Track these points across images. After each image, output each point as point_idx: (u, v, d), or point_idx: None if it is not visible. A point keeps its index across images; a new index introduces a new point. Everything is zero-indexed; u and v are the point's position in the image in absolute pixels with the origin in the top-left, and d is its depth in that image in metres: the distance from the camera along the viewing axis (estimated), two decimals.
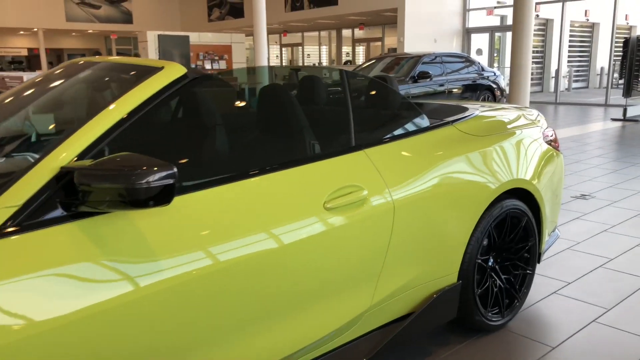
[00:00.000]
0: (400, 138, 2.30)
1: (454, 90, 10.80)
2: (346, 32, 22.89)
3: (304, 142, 2.17)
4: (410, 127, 2.40)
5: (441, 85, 10.60)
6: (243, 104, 2.82)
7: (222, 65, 19.60)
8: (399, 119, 2.54)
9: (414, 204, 2.20)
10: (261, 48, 13.35)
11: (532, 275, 2.87)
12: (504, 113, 2.94)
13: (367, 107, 2.70)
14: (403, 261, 2.21)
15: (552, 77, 19.84)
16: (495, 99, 11.49)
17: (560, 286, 3.22)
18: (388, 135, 2.31)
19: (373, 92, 2.74)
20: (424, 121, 2.47)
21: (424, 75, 10.27)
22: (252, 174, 1.84)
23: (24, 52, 28.48)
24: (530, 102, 12.11)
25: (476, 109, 2.94)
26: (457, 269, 2.43)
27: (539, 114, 3.19)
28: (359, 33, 22.42)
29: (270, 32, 22.80)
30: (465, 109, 2.92)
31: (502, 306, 2.70)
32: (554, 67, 19.15)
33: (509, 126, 2.79)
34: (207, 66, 18.86)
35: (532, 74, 16.21)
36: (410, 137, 2.33)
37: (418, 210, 2.22)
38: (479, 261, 2.55)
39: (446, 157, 2.36)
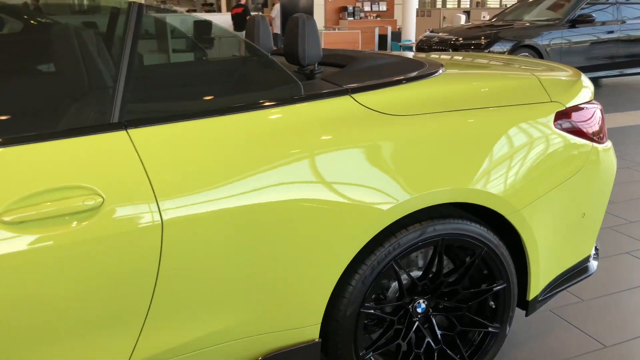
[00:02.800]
0: (213, 114, 1.47)
1: (627, 39, 8.59)
2: None
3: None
4: (245, 97, 1.55)
5: (610, 32, 8.49)
6: None
7: (383, 7, 18.78)
8: (225, 82, 1.68)
9: (216, 224, 1.41)
10: None
11: (499, 337, 1.85)
12: (489, 78, 1.88)
13: (165, 60, 1.84)
14: (200, 305, 1.45)
15: None
16: None
17: None
18: (189, 110, 1.49)
19: (184, 37, 1.86)
20: (289, 88, 1.59)
21: (585, 19, 8.30)
22: None
23: None
24: None
25: (454, 66, 1.94)
26: (317, 321, 1.59)
27: (575, 82, 2.01)
28: None
29: None
30: (420, 67, 1.91)
31: None
32: None
33: (468, 101, 1.74)
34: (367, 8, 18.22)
35: None
36: (238, 113, 1.49)
37: (225, 234, 1.42)
38: (372, 311, 1.66)
39: (301, 150, 1.49)
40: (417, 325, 1.83)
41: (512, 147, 1.76)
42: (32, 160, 1.27)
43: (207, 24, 1.60)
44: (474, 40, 8.28)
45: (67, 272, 1.29)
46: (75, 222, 1.28)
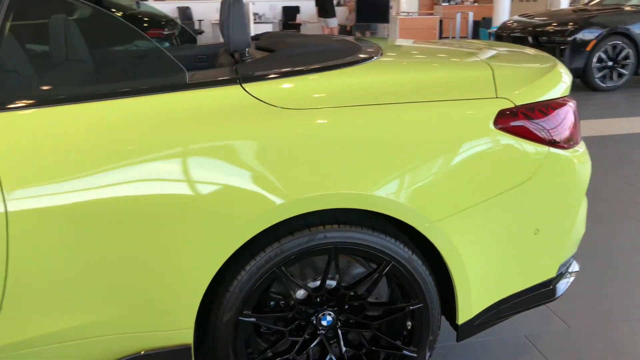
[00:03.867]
0: (73, 102, 1.41)
1: None
2: None
3: None
4: (118, 84, 1.46)
5: None
6: None
7: None
8: (98, 68, 1.58)
9: (67, 218, 1.35)
10: None
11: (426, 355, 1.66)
12: (427, 69, 1.68)
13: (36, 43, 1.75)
14: (55, 300, 1.41)
15: None
16: None
17: None
18: (49, 96, 1.42)
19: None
20: (170, 76, 1.49)
21: None
22: None
23: None
24: None
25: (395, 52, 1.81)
26: (189, 325, 1.49)
27: (542, 76, 1.73)
28: None
29: None
30: (352, 53, 1.72)
31: None
32: None
33: (386, 95, 1.54)
34: None
35: None
36: (101, 101, 1.42)
37: (79, 229, 1.36)
38: (252, 319, 1.54)
39: (168, 142, 1.39)
40: (321, 339, 1.67)
41: (431, 150, 1.53)
42: None
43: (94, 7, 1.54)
44: (558, 27, 7.57)
45: None
46: None
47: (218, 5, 13.97)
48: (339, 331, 1.67)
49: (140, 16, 6.18)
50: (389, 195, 1.48)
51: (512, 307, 1.78)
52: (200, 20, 13.85)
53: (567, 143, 1.70)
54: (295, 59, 1.66)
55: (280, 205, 1.42)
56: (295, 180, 1.43)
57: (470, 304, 1.67)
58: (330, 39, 2.03)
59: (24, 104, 1.38)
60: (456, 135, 1.55)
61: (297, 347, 1.64)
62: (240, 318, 1.53)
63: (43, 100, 1.39)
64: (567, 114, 1.72)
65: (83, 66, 1.62)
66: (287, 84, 1.52)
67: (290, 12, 13.87)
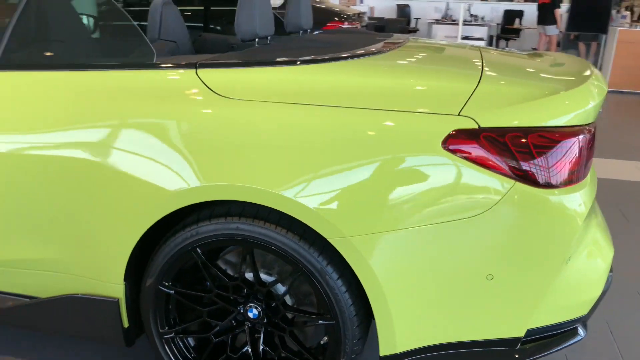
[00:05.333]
0: (53, 69, 1.65)
1: None
2: None
3: None
4: (94, 58, 1.66)
5: None
6: None
7: None
8: (91, 42, 1.75)
9: (41, 163, 1.61)
10: None
11: None
12: (393, 74, 1.60)
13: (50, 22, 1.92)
14: (27, 228, 1.70)
15: None
16: None
17: None
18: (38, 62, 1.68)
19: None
20: (140, 55, 1.65)
21: None
22: None
23: None
24: None
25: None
26: (118, 281, 1.66)
27: (544, 96, 1.47)
28: None
29: None
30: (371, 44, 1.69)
31: None
32: None
33: (335, 97, 1.48)
34: None
35: None
36: (76, 71, 1.63)
37: (51, 173, 1.62)
38: (168, 290, 1.64)
39: (118, 114, 1.56)
40: (244, 329, 1.68)
41: (358, 160, 1.42)
42: None
43: None
44: None
45: None
46: None
47: (438, 4, 13.90)
48: (263, 328, 1.66)
49: (325, 9, 6.52)
50: (298, 198, 1.42)
51: (458, 358, 1.55)
52: (417, 19, 13.92)
53: (551, 181, 1.41)
54: (268, 53, 1.68)
55: (196, 188, 1.47)
56: (211, 166, 1.47)
57: (394, 337, 1.51)
58: (345, 35, 1.98)
59: None
60: (393, 149, 1.41)
61: (215, 329, 1.68)
62: (159, 287, 1.63)
63: (37, 66, 1.66)
64: (562, 147, 1.42)
65: (85, 42, 1.87)
66: (231, 74, 1.56)
67: (510, 16, 13.11)
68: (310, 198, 1.42)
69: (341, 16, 6.42)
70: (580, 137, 1.46)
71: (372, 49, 1.79)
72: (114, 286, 1.67)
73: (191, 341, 1.74)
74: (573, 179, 1.45)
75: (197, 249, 1.57)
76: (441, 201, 1.41)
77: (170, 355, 1.71)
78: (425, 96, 1.46)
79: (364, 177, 1.41)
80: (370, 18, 12.38)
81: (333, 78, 1.53)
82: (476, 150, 1.40)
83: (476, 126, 1.40)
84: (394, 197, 1.41)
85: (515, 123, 1.41)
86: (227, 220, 1.53)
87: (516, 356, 1.54)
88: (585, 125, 1.50)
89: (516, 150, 1.40)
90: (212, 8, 3.69)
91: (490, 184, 1.40)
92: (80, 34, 1.82)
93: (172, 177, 1.49)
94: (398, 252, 1.44)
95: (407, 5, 14.05)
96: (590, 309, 1.64)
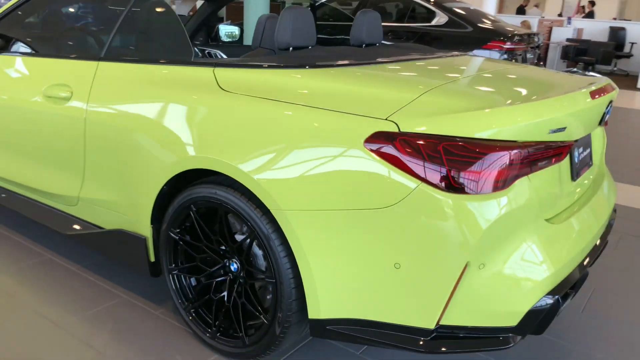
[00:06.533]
0: (135, 61, 2.25)
1: None
2: None
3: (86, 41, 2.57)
4: (159, 54, 2.21)
5: None
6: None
7: None
8: (154, 43, 2.25)
9: (107, 126, 2.25)
10: None
11: (269, 331, 1.92)
12: (348, 81, 1.90)
13: (139, 27, 2.41)
14: (100, 175, 2.34)
15: None
16: None
17: None
18: (129, 55, 2.29)
19: (148, 13, 2.37)
20: (183, 53, 2.17)
21: None
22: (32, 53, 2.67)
23: None
24: None
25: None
26: (146, 223, 2.19)
27: (481, 111, 1.61)
28: None
29: None
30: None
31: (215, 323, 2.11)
32: None
33: (302, 96, 1.80)
34: None
35: None
36: (146, 64, 2.21)
37: (111, 135, 2.24)
38: (174, 236, 2.11)
39: (156, 99, 2.09)
40: (227, 280, 2.06)
41: (299, 147, 1.71)
42: (67, 66, 2.45)
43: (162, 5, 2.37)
44: None
45: (62, 131, 2.41)
46: (58, 103, 2.39)
47: None
48: (239, 280, 2.03)
49: (491, 29, 6.51)
50: (250, 172, 1.77)
51: (378, 336, 1.73)
52: (632, 43, 12.59)
53: (457, 186, 1.54)
54: (267, 58, 2.08)
55: (191, 157, 1.93)
56: (203, 142, 1.91)
57: (318, 304, 1.76)
58: (386, 49, 2.28)
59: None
60: (327, 141, 1.68)
61: (205, 273, 2.10)
62: (169, 232, 2.11)
63: (122, 59, 2.30)
64: (474, 157, 1.54)
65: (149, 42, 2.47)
66: (233, 73, 1.97)
67: None
68: (259, 174, 1.76)
69: (506, 36, 6.34)
70: (500, 151, 1.54)
71: (381, 59, 2.06)
72: (144, 227, 2.20)
73: (193, 281, 2.19)
74: (483, 188, 1.54)
75: (192, 206, 2.01)
76: (357, 191, 1.63)
77: (174, 287, 2.17)
78: (367, 101, 1.69)
79: (299, 160, 1.70)
80: (570, 40, 11.62)
81: (301, 81, 1.85)
82: (391, 151, 1.59)
83: (396, 130, 1.60)
84: (320, 181, 1.67)
85: (433, 131, 1.57)
86: (210, 187, 1.94)
87: (420, 344, 1.66)
88: (517, 141, 1.57)
89: (427, 155, 1.56)
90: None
91: (399, 182, 1.57)
92: (149, 38, 2.42)
93: (177, 147, 1.97)
94: (320, 230, 1.69)
95: (623, 29, 12.80)
96: (522, 322, 1.65)
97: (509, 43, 6.33)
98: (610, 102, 2.01)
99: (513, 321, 1.65)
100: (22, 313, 2.29)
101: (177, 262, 2.17)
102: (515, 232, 1.63)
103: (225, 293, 2.07)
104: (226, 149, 1.84)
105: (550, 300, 1.68)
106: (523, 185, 1.63)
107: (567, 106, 1.71)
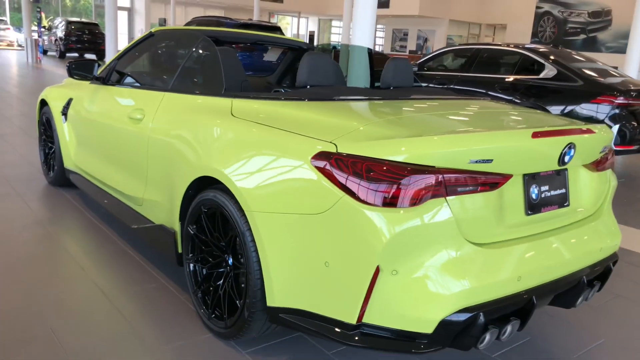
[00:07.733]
0: (187, 92, 2.84)
1: None
2: None
3: (162, 77, 3.22)
4: (205, 89, 2.75)
5: None
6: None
7: None
8: (198, 77, 2.76)
9: (160, 142, 2.84)
10: None
11: (241, 315, 2.29)
12: (315, 112, 2.28)
13: (193, 64, 2.91)
14: (156, 181, 2.92)
15: None
16: None
17: None
18: (184, 88, 2.88)
19: (199, 53, 2.86)
20: (217, 87, 2.69)
21: None
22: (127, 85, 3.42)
23: None
24: None
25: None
26: (176, 219, 2.71)
27: (399, 139, 1.90)
28: None
29: None
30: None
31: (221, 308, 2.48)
32: None
33: (274, 120, 2.23)
34: None
35: None
36: (193, 95, 2.77)
37: (162, 148, 2.83)
38: (191, 231, 2.59)
39: (191, 122, 2.64)
40: (224, 271, 2.46)
41: (267, 160, 2.11)
42: (151, 96, 3.14)
43: (204, 39, 2.95)
44: None
45: (128, 142, 3.08)
46: (135, 123, 3.06)
47: None
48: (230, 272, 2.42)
49: (603, 83, 6.29)
50: (234, 179, 2.19)
51: (313, 326, 1.99)
52: None
53: (368, 200, 1.80)
54: (278, 93, 2.52)
55: (202, 166, 2.41)
56: (210, 155, 2.38)
57: (272, 292, 2.09)
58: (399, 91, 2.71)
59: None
60: (286, 155, 2.06)
61: (209, 264, 2.52)
62: (188, 228, 2.58)
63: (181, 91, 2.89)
64: (387, 176, 1.80)
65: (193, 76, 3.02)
66: (239, 103, 2.43)
67: None
68: (239, 180, 2.17)
69: (618, 91, 6.09)
70: (411, 173, 1.78)
71: (370, 97, 2.42)
72: (175, 223, 2.70)
73: (204, 270, 2.62)
74: (394, 203, 1.78)
75: (202, 207, 2.47)
76: (302, 198, 1.96)
77: (188, 272, 2.63)
78: (324, 127, 2.04)
79: (264, 169, 2.09)
80: None
81: (278, 109, 2.27)
82: (327, 166, 1.90)
83: (334, 150, 1.91)
84: (278, 188, 2.04)
85: (359, 152, 1.86)
86: (213, 191, 2.38)
87: (336, 336, 1.90)
88: (435, 166, 1.80)
89: (352, 172, 1.85)
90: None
91: (331, 192, 1.88)
92: (196, 73, 2.99)
93: (196, 159, 2.46)
94: (276, 228, 2.04)
95: None
96: (437, 331, 1.81)
97: (621, 98, 6.06)
98: (569, 144, 2.08)
99: (428, 328, 1.82)
100: (80, 282, 2.91)
101: (193, 252, 2.64)
102: (430, 245, 1.83)
103: (220, 282, 2.48)
104: (222, 160, 2.29)
105: (467, 316, 1.83)
106: (438, 205, 1.82)
107: (489, 141, 1.88)
